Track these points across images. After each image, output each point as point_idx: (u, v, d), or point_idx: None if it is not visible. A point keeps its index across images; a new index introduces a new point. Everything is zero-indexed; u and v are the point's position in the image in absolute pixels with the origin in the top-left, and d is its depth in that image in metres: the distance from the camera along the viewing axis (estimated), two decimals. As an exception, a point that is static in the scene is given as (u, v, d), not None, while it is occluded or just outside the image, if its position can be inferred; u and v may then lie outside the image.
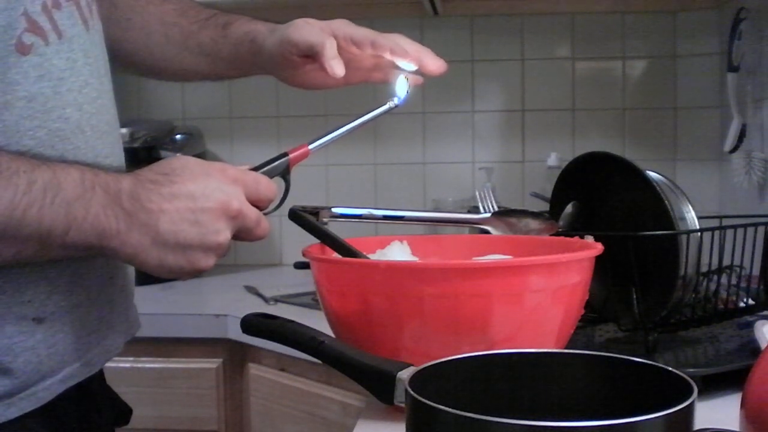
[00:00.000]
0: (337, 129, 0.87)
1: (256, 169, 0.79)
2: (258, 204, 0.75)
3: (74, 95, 0.77)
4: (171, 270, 0.71)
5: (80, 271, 0.78)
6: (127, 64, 1.02)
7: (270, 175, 0.80)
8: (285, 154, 0.83)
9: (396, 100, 0.91)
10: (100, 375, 0.89)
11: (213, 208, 0.71)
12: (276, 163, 0.82)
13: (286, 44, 0.91)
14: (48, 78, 0.74)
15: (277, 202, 0.78)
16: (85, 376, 0.81)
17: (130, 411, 0.96)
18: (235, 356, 1.53)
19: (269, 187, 0.76)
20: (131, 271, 0.90)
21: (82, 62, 0.79)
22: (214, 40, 0.98)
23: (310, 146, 0.85)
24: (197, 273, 0.73)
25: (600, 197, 1.01)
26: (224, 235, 0.72)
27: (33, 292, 0.74)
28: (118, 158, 0.85)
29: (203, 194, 0.71)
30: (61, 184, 0.67)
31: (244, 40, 0.96)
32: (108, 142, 0.82)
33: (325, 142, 0.86)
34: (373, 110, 0.90)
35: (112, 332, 0.85)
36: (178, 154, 0.78)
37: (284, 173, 0.82)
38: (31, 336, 0.74)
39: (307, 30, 0.90)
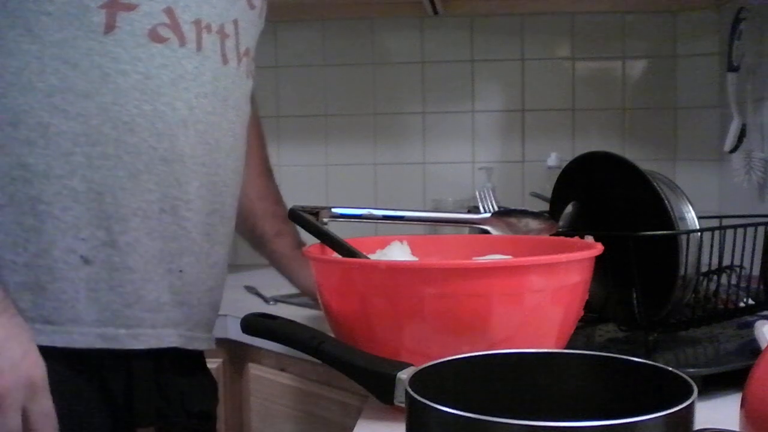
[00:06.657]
0: None
1: None
2: None
3: (190, 96, 0.80)
4: None
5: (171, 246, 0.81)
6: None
7: None
8: None
9: None
10: (155, 367, 0.88)
11: None
12: None
13: None
14: (171, 69, 0.78)
15: None
16: (124, 346, 0.80)
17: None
18: (235, 356, 1.53)
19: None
20: (222, 281, 0.93)
21: (209, 77, 0.81)
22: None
23: None
24: None
25: (600, 197, 1.01)
26: None
27: (91, 233, 0.75)
28: (222, 172, 0.88)
29: None
30: None
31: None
32: (215, 156, 0.85)
33: None
34: None
35: (160, 323, 0.84)
36: None
37: None
38: (74, 270, 0.75)
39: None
